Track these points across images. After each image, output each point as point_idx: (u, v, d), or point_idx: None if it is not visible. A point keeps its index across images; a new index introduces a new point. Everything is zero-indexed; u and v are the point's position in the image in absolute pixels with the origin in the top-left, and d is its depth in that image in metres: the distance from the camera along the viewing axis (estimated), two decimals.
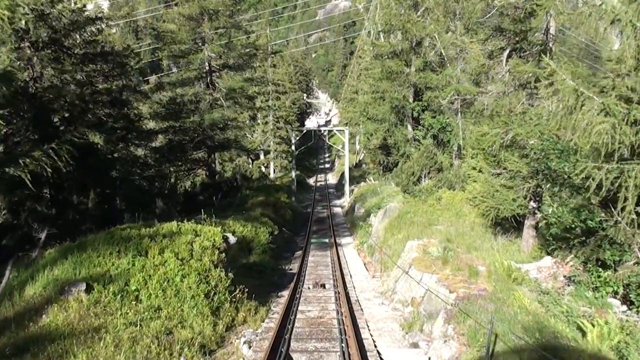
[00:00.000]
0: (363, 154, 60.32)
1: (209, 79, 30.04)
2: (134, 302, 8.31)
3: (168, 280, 8.72)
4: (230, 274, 9.68)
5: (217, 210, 24.88)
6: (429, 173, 19.61)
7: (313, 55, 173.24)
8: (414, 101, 31.60)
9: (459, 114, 31.40)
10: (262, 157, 59.79)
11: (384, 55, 30.86)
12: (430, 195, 18.52)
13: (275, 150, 57.84)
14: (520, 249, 14.17)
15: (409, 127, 32.46)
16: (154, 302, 8.48)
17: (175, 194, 23.43)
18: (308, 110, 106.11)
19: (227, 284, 9.40)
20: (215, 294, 9.16)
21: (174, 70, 32.70)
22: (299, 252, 19.95)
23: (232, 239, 12.35)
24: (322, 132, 51.47)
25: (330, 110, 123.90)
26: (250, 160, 59.75)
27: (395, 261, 13.08)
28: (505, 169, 14.48)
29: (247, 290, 10.02)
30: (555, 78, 8.57)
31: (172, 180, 29.80)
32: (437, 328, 8.62)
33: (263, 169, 58.46)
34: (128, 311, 8.07)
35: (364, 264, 17.58)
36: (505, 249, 14.25)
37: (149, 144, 26.94)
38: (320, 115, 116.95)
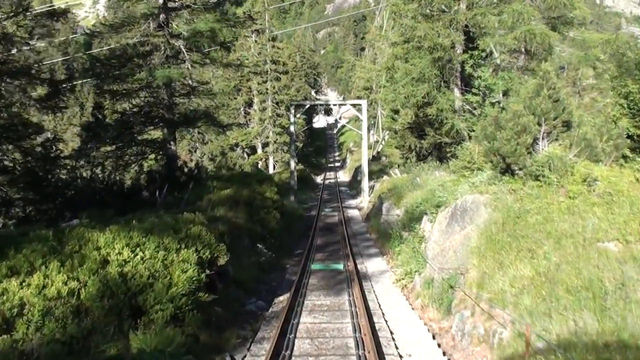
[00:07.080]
0: (382, 146, 49.92)
1: (161, 17, 20.09)
2: None
3: None
4: None
5: (158, 210, 15.21)
6: (550, 132, 9.37)
7: (322, 52, 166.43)
8: (464, 52, 21.48)
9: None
10: (259, 151, 49.70)
11: None
12: (566, 174, 8.37)
13: (275, 142, 47.75)
14: None
15: (456, 92, 22.30)
16: None
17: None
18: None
19: None
20: None
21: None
22: (283, 298, 9.46)
23: None
24: (330, 106, 42.11)
25: (340, 107, 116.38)
26: (245, 155, 49.87)
27: None
28: None
29: None
30: None
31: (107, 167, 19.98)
32: None
33: (260, 164, 48.41)
34: None
35: (434, 337, 7.31)
36: None
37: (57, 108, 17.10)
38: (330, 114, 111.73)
